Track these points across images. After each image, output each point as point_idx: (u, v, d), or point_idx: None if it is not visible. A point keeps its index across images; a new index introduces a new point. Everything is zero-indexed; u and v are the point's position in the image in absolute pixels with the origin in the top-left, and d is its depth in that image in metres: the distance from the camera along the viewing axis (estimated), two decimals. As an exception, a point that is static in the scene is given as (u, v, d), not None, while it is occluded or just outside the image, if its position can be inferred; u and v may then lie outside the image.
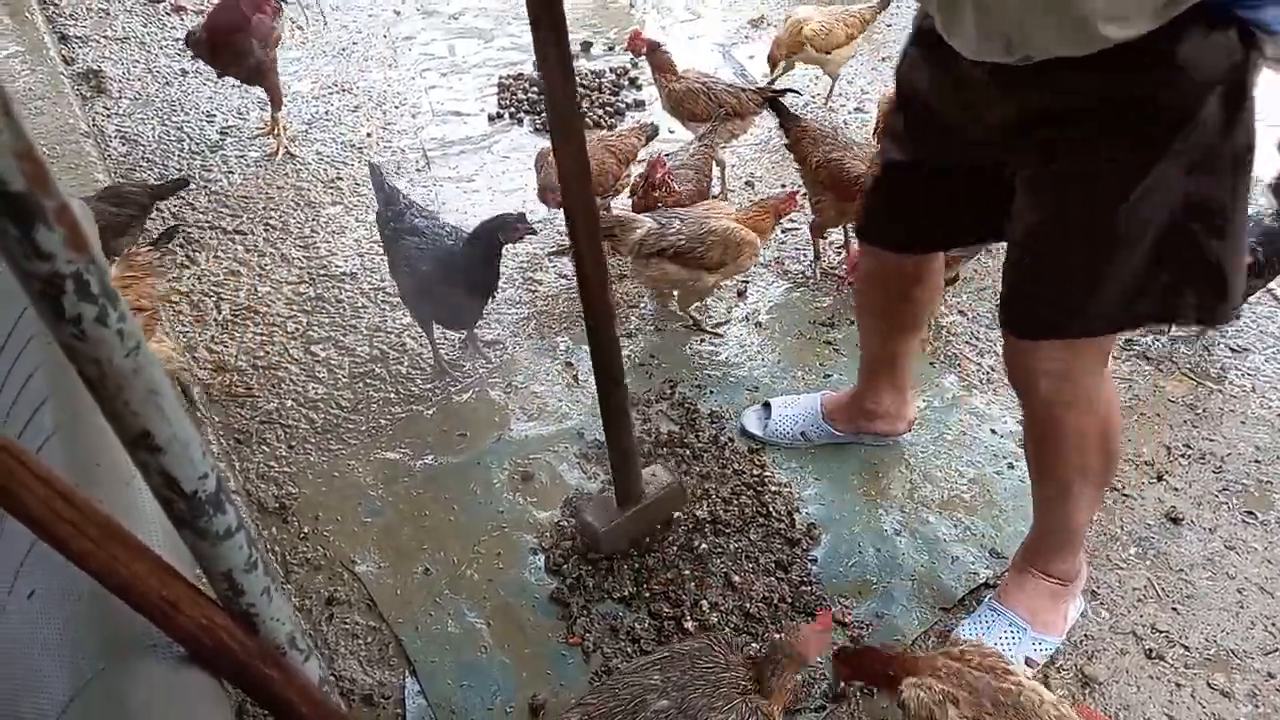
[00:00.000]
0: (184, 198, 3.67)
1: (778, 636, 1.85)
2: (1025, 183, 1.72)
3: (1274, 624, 2.25)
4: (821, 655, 1.91)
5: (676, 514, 2.46)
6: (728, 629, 2.20)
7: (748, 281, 3.32)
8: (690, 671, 1.77)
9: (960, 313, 3.17)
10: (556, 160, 1.79)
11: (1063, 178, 1.65)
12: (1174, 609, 2.28)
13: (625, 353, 3.02)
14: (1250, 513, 2.51)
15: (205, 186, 3.76)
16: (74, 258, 0.67)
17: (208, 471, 0.84)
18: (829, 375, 2.95)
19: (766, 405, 2.74)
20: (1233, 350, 3.03)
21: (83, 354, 0.71)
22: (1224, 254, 1.63)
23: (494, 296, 2.89)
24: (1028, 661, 2.10)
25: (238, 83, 4.02)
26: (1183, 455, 2.68)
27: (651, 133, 3.50)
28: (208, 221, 3.56)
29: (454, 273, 2.70)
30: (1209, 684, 2.14)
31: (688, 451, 2.66)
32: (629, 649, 2.17)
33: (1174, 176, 1.55)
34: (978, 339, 3.08)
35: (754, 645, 2.16)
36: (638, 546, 2.39)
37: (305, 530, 2.46)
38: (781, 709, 1.80)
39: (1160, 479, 2.60)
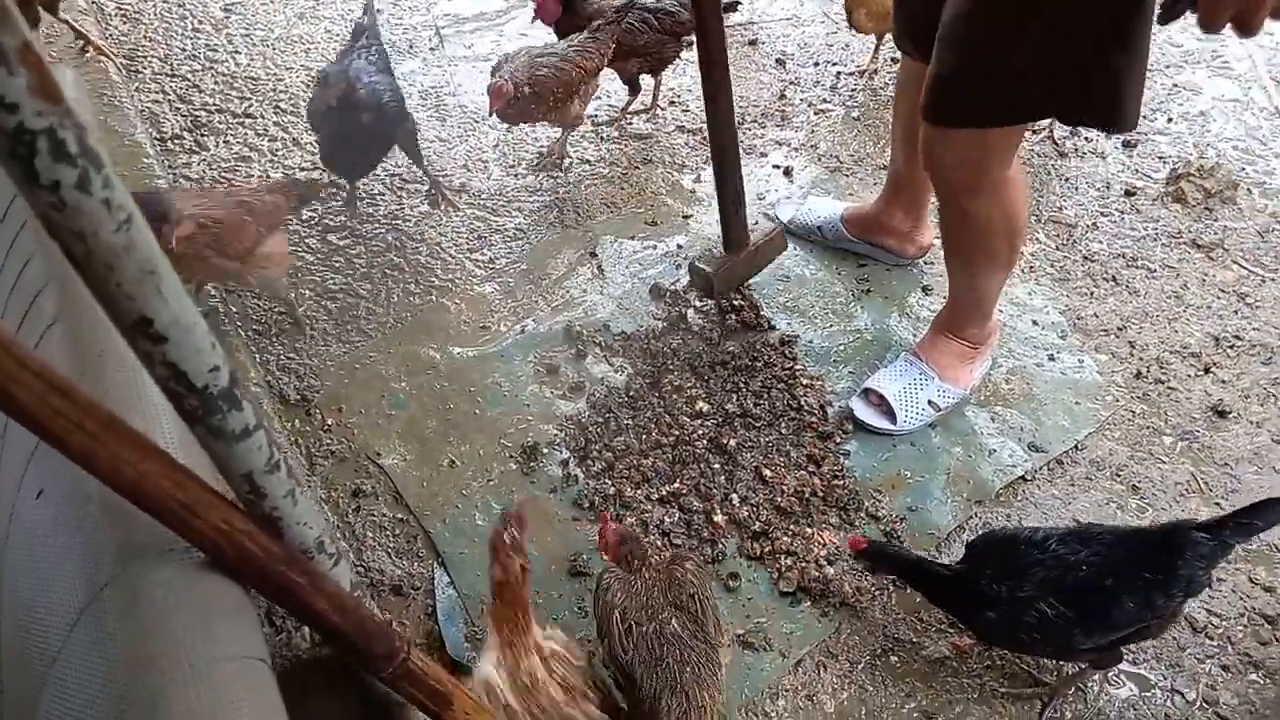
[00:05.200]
0: (190, 79, 3.52)
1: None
2: None
3: (1321, 519, 2.19)
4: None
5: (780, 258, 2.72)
6: (758, 523, 2.17)
7: (791, 166, 3.18)
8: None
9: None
10: None
11: None
12: (1217, 504, 2.23)
13: (649, 245, 2.92)
14: (1301, 406, 2.42)
15: (211, 67, 3.59)
16: (45, 109, 0.57)
17: (219, 364, 0.76)
18: (864, 264, 2.84)
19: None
20: (1287, 237, 2.89)
21: (64, 227, 0.62)
22: (1123, 65, 1.74)
23: (370, 166, 2.90)
24: (930, 404, 2.36)
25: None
26: (1231, 347, 2.58)
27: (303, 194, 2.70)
28: (215, 104, 3.42)
29: (345, 120, 2.67)
30: (1250, 579, 2.09)
31: (715, 345, 2.58)
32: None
33: None
34: (1020, 226, 2.95)
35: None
36: (720, 309, 2.65)
37: (329, 423, 2.42)
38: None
39: (1207, 371, 2.51)
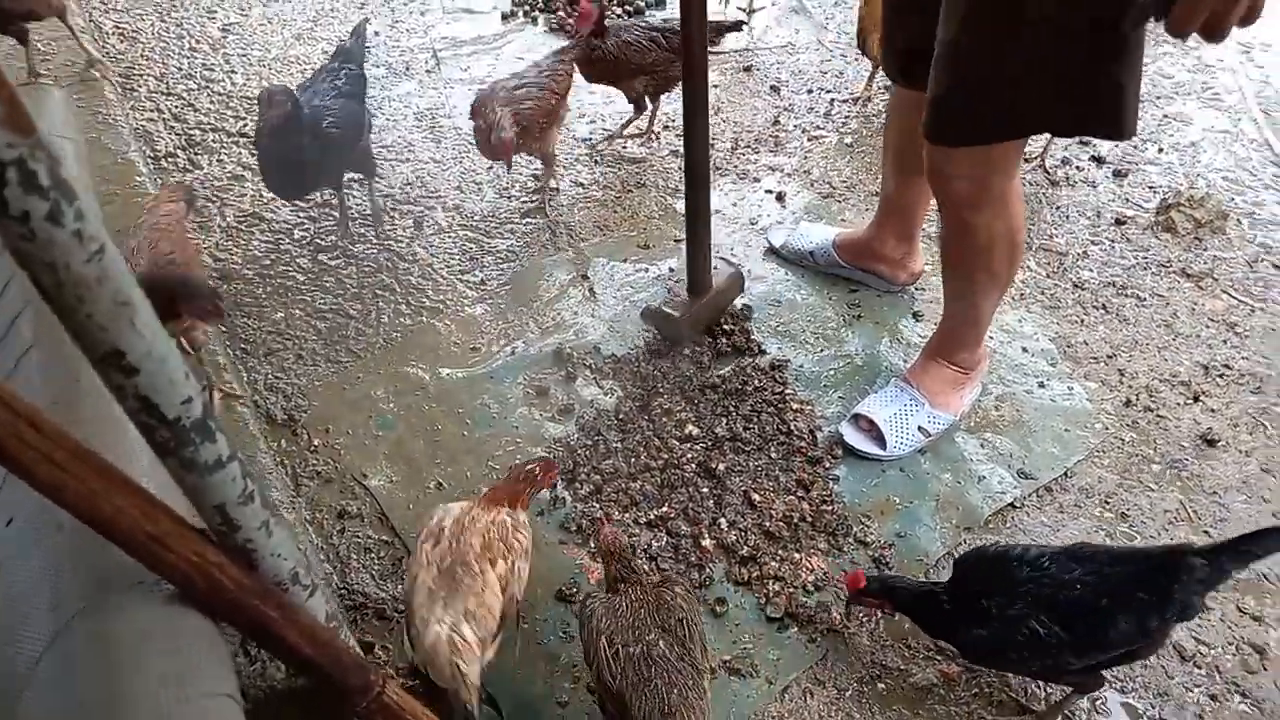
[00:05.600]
0: (185, 98, 3.53)
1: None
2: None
3: (1310, 550, 2.18)
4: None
5: (738, 302, 2.77)
6: (746, 548, 2.16)
7: (784, 192, 3.19)
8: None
9: (992, 225, 3.04)
10: None
11: None
12: (1206, 533, 2.22)
13: (641, 268, 2.93)
14: (1290, 435, 2.42)
15: (207, 86, 3.61)
16: (15, 140, 0.56)
17: (192, 395, 0.75)
18: (855, 289, 2.84)
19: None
20: (1276, 267, 2.90)
21: (34, 259, 0.61)
22: (1121, 74, 1.75)
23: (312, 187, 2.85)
24: (920, 430, 2.37)
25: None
26: (1220, 375, 2.58)
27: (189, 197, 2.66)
28: (210, 124, 3.43)
29: (288, 140, 2.62)
30: (1239, 608, 2.09)
31: (706, 368, 2.58)
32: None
33: None
34: (1010, 253, 2.96)
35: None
36: (711, 333, 2.69)
37: (315, 443, 2.41)
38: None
39: (1196, 400, 2.51)
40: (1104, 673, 1.86)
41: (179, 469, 0.79)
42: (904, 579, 1.99)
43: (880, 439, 2.35)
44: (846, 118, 3.53)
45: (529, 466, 2.00)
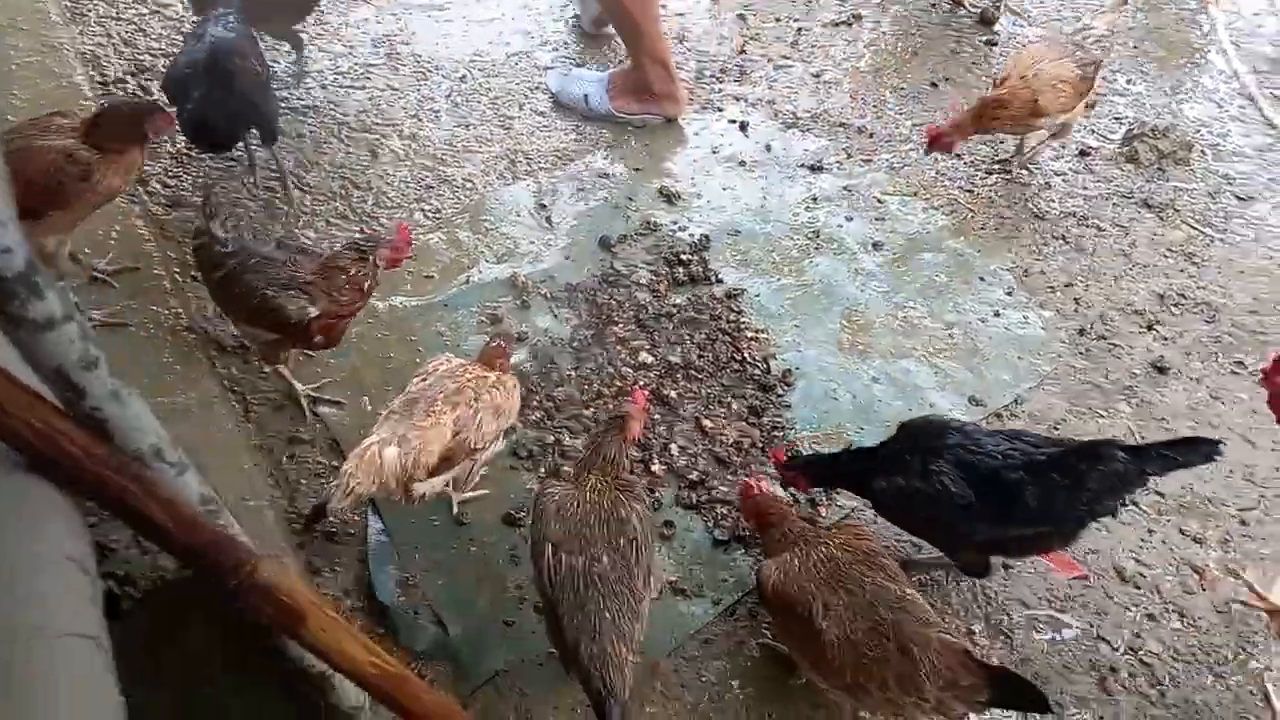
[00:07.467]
0: (136, 23, 3.43)
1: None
2: None
3: (1253, 474, 2.20)
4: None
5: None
6: (695, 473, 2.16)
7: (748, 121, 3.14)
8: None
9: (957, 156, 3.00)
10: None
11: None
12: (1153, 458, 2.24)
13: (600, 197, 2.88)
14: (1239, 363, 2.43)
15: (159, 11, 3.50)
16: None
17: (12, 245, 0.72)
18: (814, 217, 2.81)
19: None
20: (1238, 198, 2.89)
21: None
22: None
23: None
24: (585, 97, 3.10)
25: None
26: (1175, 304, 2.58)
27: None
28: (161, 49, 3.33)
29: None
30: (1181, 530, 2.11)
31: (662, 297, 2.56)
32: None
33: None
34: (972, 183, 2.93)
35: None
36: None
37: (265, 370, 2.38)
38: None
39: (1150, 328, 2.52)
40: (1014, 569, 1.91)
41: (7, 325, 0.76)
42: (812, 454, 2.08)
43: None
44: (814, 48, 3.46)
45: (491, 343, 2.12)
